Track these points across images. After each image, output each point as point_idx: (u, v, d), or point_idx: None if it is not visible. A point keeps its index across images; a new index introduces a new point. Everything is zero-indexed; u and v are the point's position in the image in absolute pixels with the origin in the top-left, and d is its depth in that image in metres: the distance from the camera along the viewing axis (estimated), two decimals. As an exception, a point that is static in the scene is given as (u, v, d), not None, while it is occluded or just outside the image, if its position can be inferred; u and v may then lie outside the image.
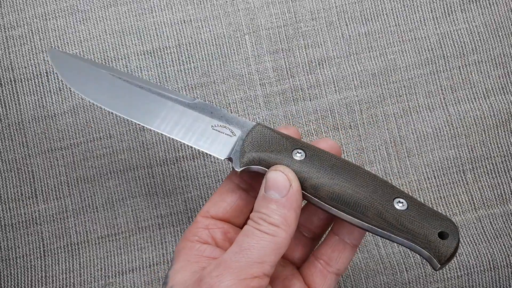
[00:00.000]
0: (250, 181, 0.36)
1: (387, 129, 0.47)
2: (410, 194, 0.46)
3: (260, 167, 0.34)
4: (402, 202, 0.33)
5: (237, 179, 0.35)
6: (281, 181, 0.32)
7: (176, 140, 0.40)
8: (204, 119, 0.36)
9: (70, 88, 0.39)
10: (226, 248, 0.34)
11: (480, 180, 0.47)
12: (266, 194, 0.32)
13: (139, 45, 0.48)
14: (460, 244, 0.45)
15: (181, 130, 0.35)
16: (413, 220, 0.33)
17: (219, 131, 0.35)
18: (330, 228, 0.37)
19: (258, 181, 0.35)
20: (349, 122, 0.47)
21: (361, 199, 0.33)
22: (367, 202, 0.33)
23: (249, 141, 0.35)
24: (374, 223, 0.33)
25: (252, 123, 0.36)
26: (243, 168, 0.34)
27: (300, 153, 0.34)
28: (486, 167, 0.47)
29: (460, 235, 0.34)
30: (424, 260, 0.45)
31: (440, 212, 0.34)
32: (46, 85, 0.47)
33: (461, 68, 0.48)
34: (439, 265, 0.33)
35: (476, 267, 0.45)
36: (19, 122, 0.47)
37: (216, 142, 0.35)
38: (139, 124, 0.36)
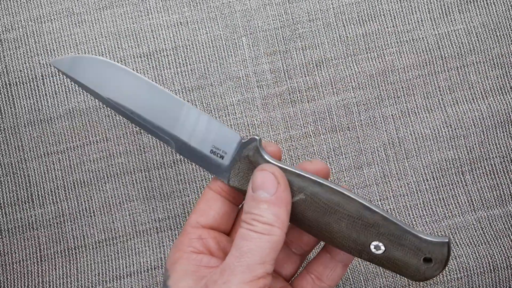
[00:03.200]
0: (229, 192, 0.36)
1: (386, 130, 0.47)
2: (409, 196, 0.46)
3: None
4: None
5: (218, 188, 0.36)
6: (269, 180, 0.32)
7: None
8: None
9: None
10: (220, 257, 0.34)
11: (479, 181, 0.47)
12: (255, 194, 0.32)
13: (135, 47, 0.47)
14: (459, 246, 0.45)
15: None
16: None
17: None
18: (323, 246, 0.37)
19: (235, 192, 0.35)
20: (347, 124, 0.47)
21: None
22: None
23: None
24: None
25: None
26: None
27: None
28: (485, 168, 0.47)
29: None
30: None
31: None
32: (41, 89, 0.47)
33: (459, 69, 0.48)
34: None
35: (476, 268, 0.45)
36: (14, 126, 0.46)
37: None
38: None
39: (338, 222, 0.33)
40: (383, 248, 0.33)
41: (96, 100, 0.46)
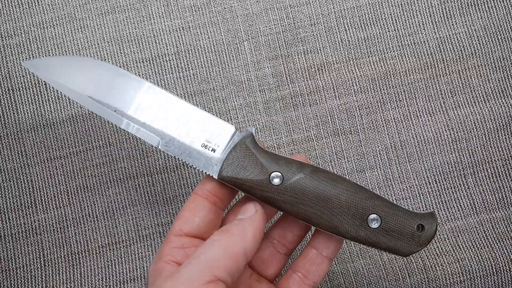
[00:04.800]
0: (217, 194, 0.36)
1: (388, 134, 0.47)
2: (412, 199, 0.46)
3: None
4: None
5: (205, 192, 0.35)
6: (248, 207, 0.34)
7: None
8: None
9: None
10: None
11: (481, 184, 0.47)
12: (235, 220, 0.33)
13: (137, 52, 0.47)
14: (462, 249, 0.45)
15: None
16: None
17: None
18: (308, 242, 0.38)
19: (225, 192, 0.36)
20: (349, 128, 0.47)
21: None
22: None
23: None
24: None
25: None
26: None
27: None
28: (487, 171, 0.47)
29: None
30: (426, 266, 0.45)
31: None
32: (44, 94, 0.47)
33: (460, 72, 0.48)
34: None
35: (479, 271, 0.45)
36: (17, 131, 0.46)
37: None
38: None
39: (338, 197, 0.34)
40: (379, 221, 0.34)
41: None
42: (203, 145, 0.35)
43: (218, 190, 0.35)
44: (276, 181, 0.34)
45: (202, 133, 0.36)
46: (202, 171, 0.35)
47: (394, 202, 0.47)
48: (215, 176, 0.35)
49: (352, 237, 0.34)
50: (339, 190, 0.34)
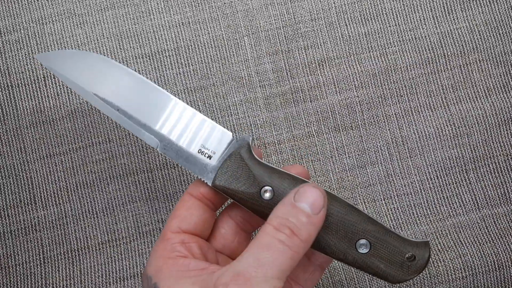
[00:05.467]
0: (211, 198, 0.35)
1: (389, 129, 0.47)
2: (413, 195, 0.46)
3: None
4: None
5: (198, 193, 0.35)
6: (318, 199, 0.32)
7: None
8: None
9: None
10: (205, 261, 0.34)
11: (483, 180, 0.46)
12: (298, 204, 0.31)
13: (137, 48, 0.47)
14: (464, 244, 0.45)
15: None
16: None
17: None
18: None
19: (218, 197, 0.35)
20: (350, 123, 0.47)
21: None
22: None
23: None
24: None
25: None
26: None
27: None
28: (489, 166, 0.47)
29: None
30: (429, 262, 0.45)
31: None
32: (43, 90, 0.46)
33: (462, 67, 0.48)
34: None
35: (481, 267, 0.45)
36: (16, 127, 0.46)
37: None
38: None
39: (328, 217, 0.33)
40: (368, 247, 0.33)
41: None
42: (199, 151, 0.35)
43: (211, 194, 0.35)
44: (267, 195, 0.33)
45: (199, 138, 0.35)
46: (198, 177, 0.35)
47: (396, 197, 0.46)
48: (209, 183, 0.35)
49: (339, 259, 0.34)
50: (331, 210, 0.33)
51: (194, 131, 0.35)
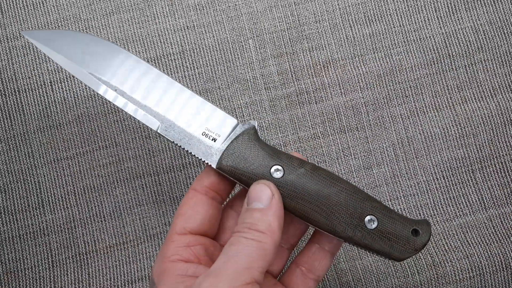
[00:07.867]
0: (216, 188, 0.36)
1: (394, 130, 0.47)
2: (420, 195, 0.46)
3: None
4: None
5: (203, 187, 0.35)
6: (264, 192, 0.33)
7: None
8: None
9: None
10: (208, 264, 0.34)
11: (489, 180, 0.46)
12: (250, 206, 0.33)
13: (142, 52, 0.47)
14: (471, 245, 0.45)
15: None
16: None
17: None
18: (310, 237, 0.38)
19: (224, 186, 0.35)
20: (356, 124, 0.47)
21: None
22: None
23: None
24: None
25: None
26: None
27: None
28: (495, 166, 0.47)
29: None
30: (435, 262, 0.45)
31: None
32: (50, 95, 0.47)
33: (467, 67, 0.47)
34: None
35: (488, 267, 0.45)
36: (24, 132, 0.46)
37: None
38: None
39: (337, 194, 0.34)
40: (376, 222, 0.34)
41: (107, 103, 0.46)
42: (203, 134, 0.35)
43: (216, 184, 0.35)
44: (277, 174, 0.34)
45: (203, 122, 0.35)
46: (202, 160, 0.35)
47: (402, 198, 0.46)
48: (214, 166, 0.35)
49: (348, 237, 0.34)
50: (338, 189, 0.34)
51: (198, 115, 0.35)
